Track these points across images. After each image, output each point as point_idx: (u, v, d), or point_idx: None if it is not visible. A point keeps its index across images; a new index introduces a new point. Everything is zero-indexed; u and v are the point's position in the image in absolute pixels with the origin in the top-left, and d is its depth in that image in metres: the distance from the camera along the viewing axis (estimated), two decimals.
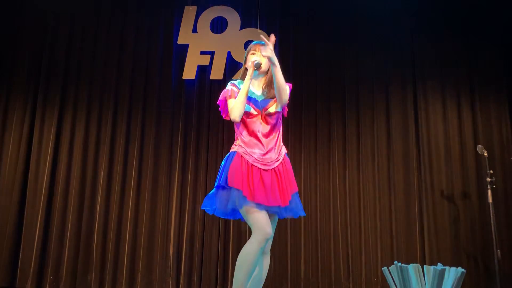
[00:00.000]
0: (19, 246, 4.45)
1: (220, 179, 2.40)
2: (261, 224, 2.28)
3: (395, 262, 2.84)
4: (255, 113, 2.47)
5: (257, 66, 2.47)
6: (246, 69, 2.58)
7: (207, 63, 4.94)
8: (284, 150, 2.54)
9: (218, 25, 5.05)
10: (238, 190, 2.31)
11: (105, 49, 4.98)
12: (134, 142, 4.76)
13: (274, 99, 2.53)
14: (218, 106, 2.58)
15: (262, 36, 2.43)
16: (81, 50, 4.97)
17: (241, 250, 2.29)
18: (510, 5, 4.95)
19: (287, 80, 2.53)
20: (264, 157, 2.41)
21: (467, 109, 4.92)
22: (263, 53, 2.37)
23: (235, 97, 2.45)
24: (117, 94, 4.88)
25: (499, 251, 4.00)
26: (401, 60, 5.05)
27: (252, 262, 2.24)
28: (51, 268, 4.41)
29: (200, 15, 5.01)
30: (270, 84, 2.54)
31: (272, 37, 2.39)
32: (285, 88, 2.44)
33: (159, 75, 4.94)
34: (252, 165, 2.39)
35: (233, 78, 4.71)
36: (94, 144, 4.74)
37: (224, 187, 2.37)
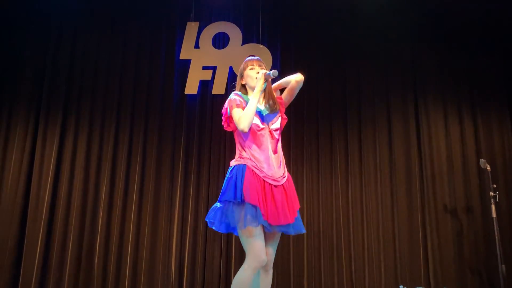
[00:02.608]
0: (20, 262, 4.42)
1: (234, 193, 2.29)
2: (257, 251, 2.25)
3: (400, 286, 2.80)
4: (263, 126, 2.45)
5: (275, 75, 2.43)
6: (243, 85, 2.57)
7: (209, 78, 4.96)
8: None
9: (220, 41, 5.09)
10: (254, 207, 2.26)
11: (107, 64, 5.01)
12: (136, 157, 4.76)
13: (278, 114, 2.53)
14: (221, 116, 2.53)
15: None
16: (83, 65, 5.00)
17: (235, 277, 2.25)
18: (511, 17, 4.98)
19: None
20: (272, 172, 2.38)
21: (468, 122, 4.92)
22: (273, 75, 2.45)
23: (243, 108, 2.39)
24: (119, 109, 4.90)
25: (503, 266, 3.96)
26: (402, 74, 5.07)
27: None
28: (52, 283, 4.37)
29: (202, 30, 5.05)
30: (271, 98, 2.53)
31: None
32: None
33: (162, 90, 4.97)
34: (263, 180, 2.35)
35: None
36: (96, 159, 4.74)
37: (237, 202, 2.28)
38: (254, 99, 2.38)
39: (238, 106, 2.39)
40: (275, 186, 2.36)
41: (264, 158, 2.39)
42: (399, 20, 5.14)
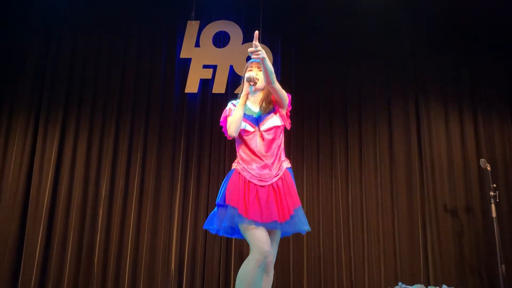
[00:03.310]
0: (20, 260, 4.42)
1: (219, 197, 2.43)
2: (259, 242, 2.26)
3: (399, 283, 2.81)
4: (252, 129, 2.48)
5: (249, 80, 2.46)
6: None
7: (210, 77, 4.96)
8: (286, 164, 2.52)
9: (221, 40, 5.09)
10: (234, 208, 2.31)
11: (108, 63, 5.01)
12: (136, 156, 4.76)
13: (271, 114, 2.52)
14: (221, 122, 2.60)
15: (256, 35, 2.29)
16: (84, 64, 4.99)
17: (239, 270, 2.27)
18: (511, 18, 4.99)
19: (289, 92, 2.57)
20: (261, 173, 2.41)
21: (469, 122, 4.92)
22: (255, 55, 2.28)
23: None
24: (120, 107, 4.90)
25: (503, 266, 3.96)
26: (403, 73, 5.06)
27: (251, 281, 2.21)
28: (52, 282, 4.37)
29: (202, 29, 5.05)
30: (267, 100, 2.54)
31: (256, 33, 2.30)
32: (273, 72, 2.37)
33: (162, 89, 4.97)
34: (249, 181, 2.39)
35: (235, 92, 4.74)
36: (96, 158, 4.74)
37: (222, 205, 2.38)
38: (239, 104, 2.47)
39: (228, 116, 2.53)
40: (262, 186, 2.38)
41: (252, 160, 2.43)
42: (401, 18, 5.14)
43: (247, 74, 2.51)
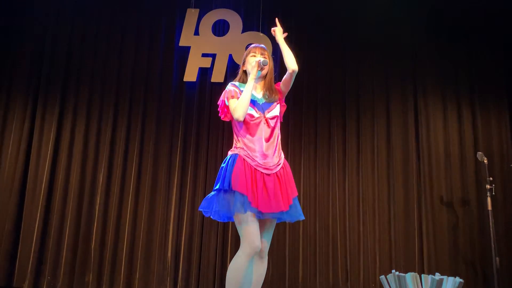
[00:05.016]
0: (17, 245, 4.44)
1: (222, 182, 2.34)
2: (251, 237, 2.26)
3: (393, 271, 2.83)
4: (257, 115, 2.45)
5: (265, 63, 2.46)
6: (244, 71, 2.58)
7: (209, 65, 4.94)
8: (282, 154, 2.53)
9: (220, 28, 5.06)
10: (242, 195, 2.28)
11: (106, 50, 4.98)
12: (134, 144, 4.76)
13: (275, 103, 2.53)
14: (219, 102, 2.55)
15: (276, 21, 2.64)
16: (82, 51, 4.96)
17: (230, 264, 2.28)
18: (511, 13, 4.96)
19: None
20: (265, 161, 2.39)
21: (467, 116, 4.93)
22: (278, 34, 2.61)
23: (237, 98, 2.43)
24: (118, 95, 4.88)
25: (497, 259, 3.99)
26: (402, 66, 5.05)
27: (241, 275, 2.22)
28: (49, 268, 4.40)
29: (202, 17, 5.02)
30: (269, 88, 2.54)
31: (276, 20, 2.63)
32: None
33: (160, 77, 4.95)
34: (255, 169, 2.36)
35: (233, 81, 4.72)
36: (93, 145, 4.73)
37: (227, 190, 2.32)
38: (248, 87, 2.42)
39: (233, 97, 2.45)
40: (268, 174, 2.37)
41: (257, 148, 2.40)
42: (400, 12, 5.11)
43: (256, 58, 2.50)
